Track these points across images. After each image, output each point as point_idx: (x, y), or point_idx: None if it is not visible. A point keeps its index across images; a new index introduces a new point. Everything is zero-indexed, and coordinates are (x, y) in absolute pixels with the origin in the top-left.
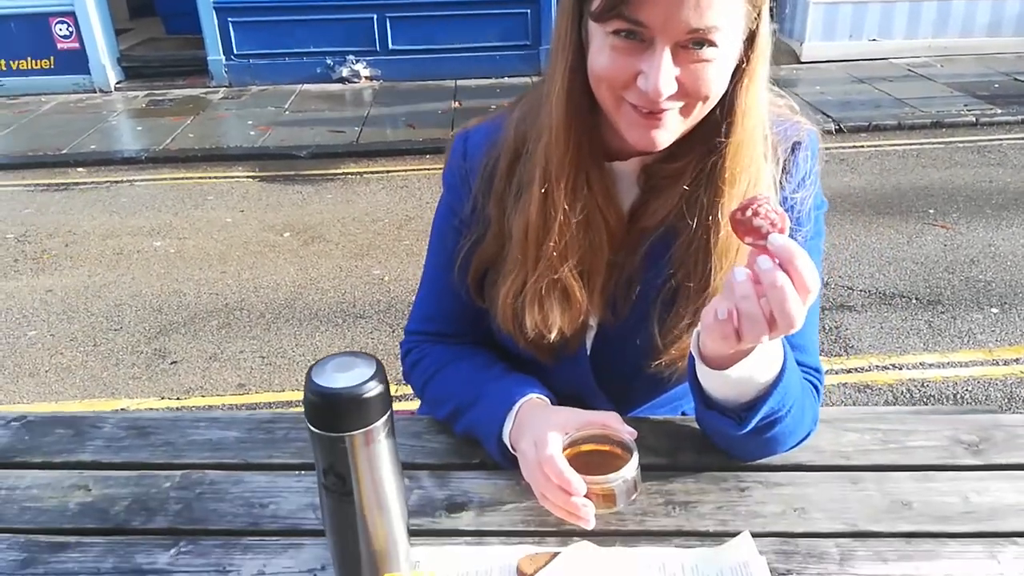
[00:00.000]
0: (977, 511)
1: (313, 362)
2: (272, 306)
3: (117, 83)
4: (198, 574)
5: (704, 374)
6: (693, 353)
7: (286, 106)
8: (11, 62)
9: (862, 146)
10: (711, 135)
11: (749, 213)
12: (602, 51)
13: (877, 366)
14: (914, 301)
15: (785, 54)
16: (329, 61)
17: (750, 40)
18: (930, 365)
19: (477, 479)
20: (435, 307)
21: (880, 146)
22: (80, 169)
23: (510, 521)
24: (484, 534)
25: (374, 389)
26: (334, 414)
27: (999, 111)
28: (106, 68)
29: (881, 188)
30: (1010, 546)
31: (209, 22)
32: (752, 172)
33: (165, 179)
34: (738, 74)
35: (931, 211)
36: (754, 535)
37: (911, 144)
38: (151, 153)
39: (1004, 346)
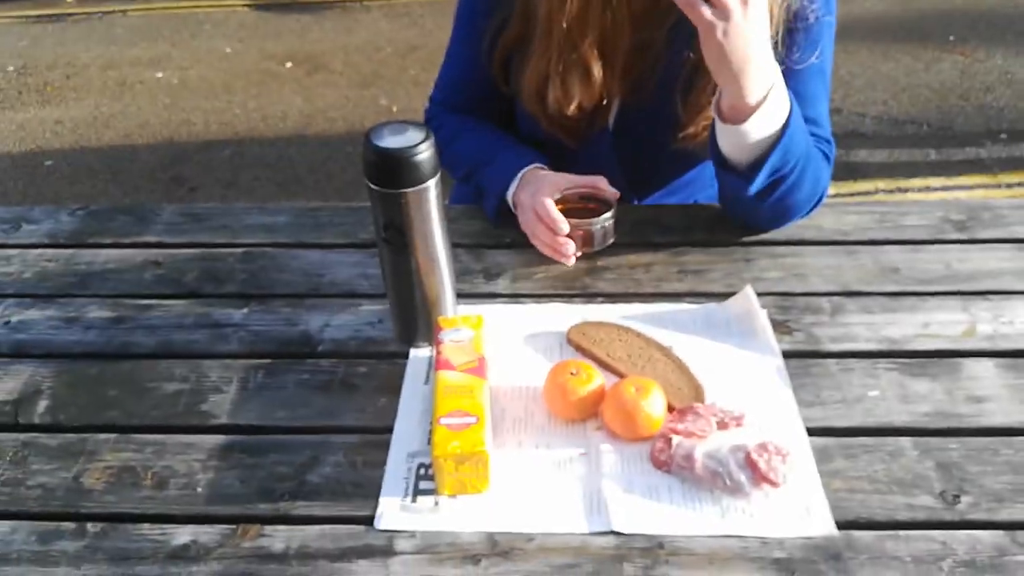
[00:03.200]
0: (956, 275)
1: (369, 128)
2: (282, 135)
3: None
4: (271, 327)
5: (720, 131)
6: (712, 112)
7: None
8: None
9: None
10: None
11: None
12: None
13: (883, 189)
14: (925, 128)
15: None
16: None
17: None
18: (935, 188)
19: (509, 254)
20: (459, 81)
21: None
22: (69, 0)
23: (540, 286)
24: (519, 295)
25: (427, 150)
26: (393, 172)
27: None
28: None
29: (902, 14)
30: (981, 301)
31: None
32: None
33: (157, 8)
34: None
35: (951, 38)
36: (757, 295)
37: None
38: None
39: (1008, 171)
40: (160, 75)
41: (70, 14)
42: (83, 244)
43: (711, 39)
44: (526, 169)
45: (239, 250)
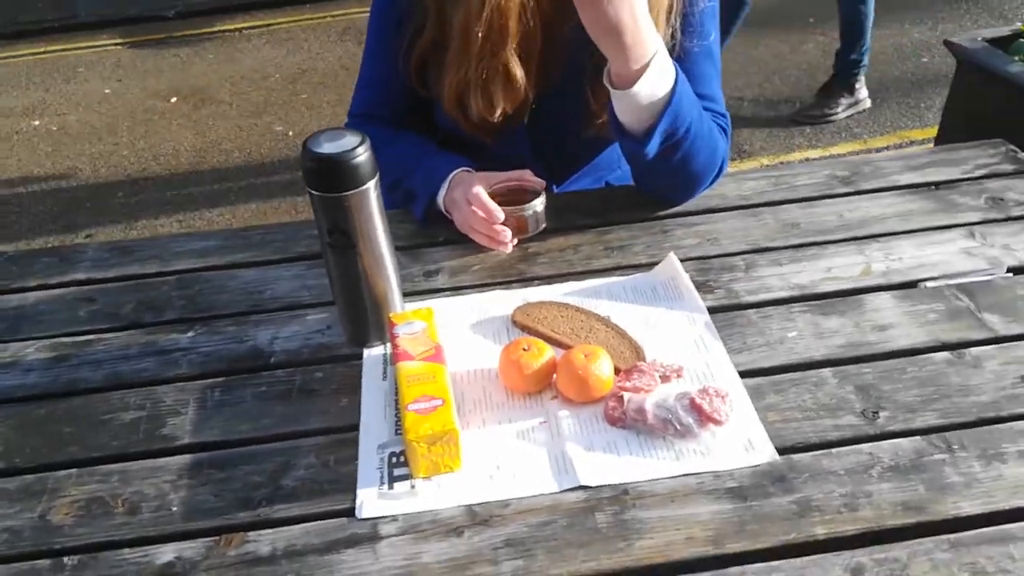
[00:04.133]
0: (849, 223)
1: (305, 137)
2: (177, 172)
3: None
4: (219, 346)
5: (614, 98)
6: (604, 82)
7: None
8: None
9: None
10: None
11: None
12: None
13: (767, 165)
14: (798, 104)
15: None
16: None
17: None
18: (814, 160)
19: (444, 250)
20: (375, 92)
21: None
22: None
23: (478, 278)
24: (460, 288)
25: (364, 153)
26: (334, 176)
27: None
28: None
29: (766, 3)
30: (874, 243)
31: None
32: None
33: (24, 55)
34: None
35: (811, 20)
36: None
37: None
38: (1, 28)
39: (876, 136)
40: (37, 123)
41: None
42: (7, 290)
43: (586, 8)
44: (454, 172)
45: (173, 277)
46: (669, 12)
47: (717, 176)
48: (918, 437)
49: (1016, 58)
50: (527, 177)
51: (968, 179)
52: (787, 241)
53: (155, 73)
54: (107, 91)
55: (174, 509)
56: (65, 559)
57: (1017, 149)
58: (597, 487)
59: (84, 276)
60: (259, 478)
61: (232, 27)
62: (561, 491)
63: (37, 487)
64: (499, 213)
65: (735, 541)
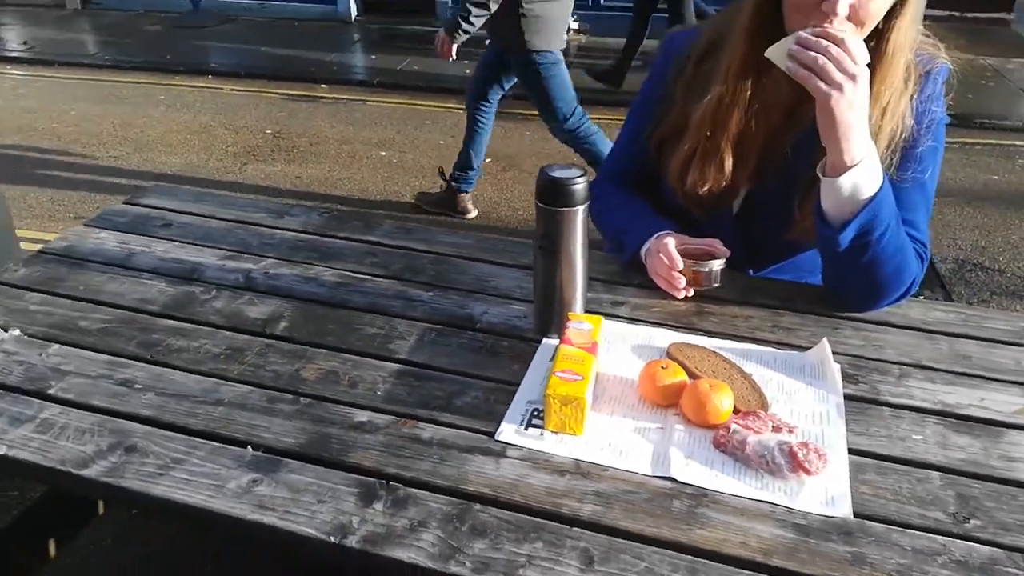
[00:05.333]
0: None
1: (543, 166)
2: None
3: (356, 16)
4: (446, 307)
5: (823, 187)
6: (818, 171)
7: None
8: None
9: None
10: None
11: None
12: None
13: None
14: None
15: (1017, 47)
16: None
17: None
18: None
19: (633, 291)
20: (622, 163)
21: None
22: (323, 86)
23: (653, 316)
24: (634, 320)
25: (581, 183)
26: (555, 194)
27: None
28: (349, 1)
29: None
30: None
31: None
32: (893, 90)
33: (391, 102)
34: (892, 13)
35: None
36: (834, 354)
37: None
38: (382, 79)
39: None
40: (383, 153)
41: (321, 97)
42: (324, 234)
43: (825, 106)
44: (659, 233)
45: (432, 255)
46: (890, 140)
47: (904, 295)
48: (999, 549)
49: None
50: (716, 245)
51: None
52: (951, 367)
53: None
54: (441, 142)
55: (379, 393)
56: (301, 399)
57: None
58: (684, 483)
59: (375, 239)
60: (440, 394)
61: None
62: (653, 475)
63: (300, 353)
64: (679, 262)
65: (783, 560)
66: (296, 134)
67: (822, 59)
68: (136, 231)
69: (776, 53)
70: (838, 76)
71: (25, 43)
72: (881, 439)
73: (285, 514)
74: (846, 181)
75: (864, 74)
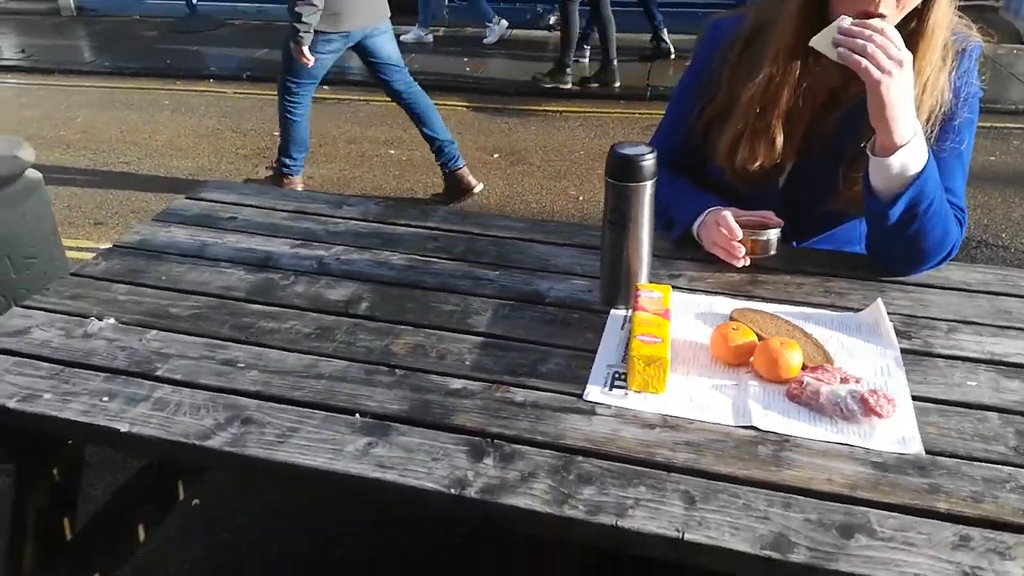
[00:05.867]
0: None
1: (614, 144)
2: (485, 210)
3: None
4: (513, 285)
5: (873, 165)
6: (868, 151)
7: (496, 48)
8: None
9: None
10: (905, 39)
11: None
12: None
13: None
14: None
15: (1007, 34)
16: (539, 8)
17: None
18: None
19: (690, 263)
20: (667, 141)
21: None
22: (325, 87)
23: (711, 286)
24: (695, 291)
25: (650, 160)
26: (626, 170)
27: None
28: None
29: None
30: None
31: None
32: (933, 66)
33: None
34: None
35: None
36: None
37: None
38: None
39: None
40: (392, 152)
41: (325, 98)
42: (385, 222)
43: (876, 91)
44: (711, 208)
45: (491, 238)
46: (930, 113)
47: (945, 258)
48: None
49: None
50: (770, 217)
51: None
52: (995, 321)
53: (486, 132)
54: None
55: (467, 362)
56: (397, 370)
57: None
58: (766, 432)
59: (434, 225)
60: (523, 361)
61: (555, 108)
62: (736, 426)
63: (386, 331)
64: (739, 231)
65: (867, 492)
66: None
67: (871, 46)
68: (204, 224)
69: (821, 42)
70: (887, 63)
71: (22, 51)
72: (939, 386)
73: (404, 471)
74: (895, 160)
75: (908, 59)
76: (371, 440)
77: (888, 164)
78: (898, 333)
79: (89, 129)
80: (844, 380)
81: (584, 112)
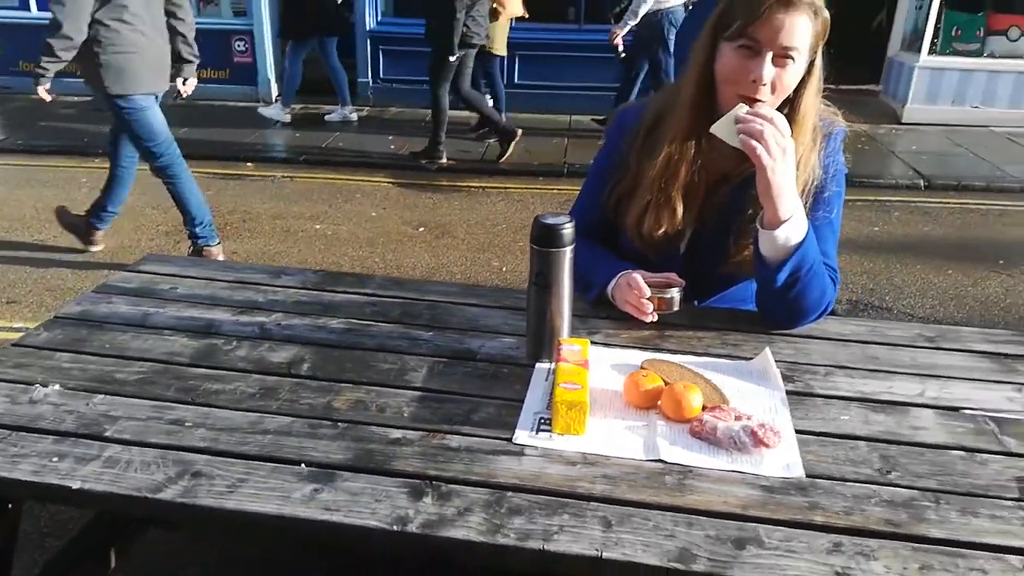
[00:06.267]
0: (920, 366)
1: (537, 216)
2: (412, 279)
3: (277, 95)
4: (447, 344)
5: (761, 237)
6: (757, 225)
7: (421, 125)
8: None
9: (948, 202)
10: None
11: None
12: (729, 59)
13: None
14: None
15: (886, 115)
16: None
17: (810, 65)
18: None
19: (605, 322)
20: (584, 217)
21: (966, 204)
22: (249, 164)
23: (624, 341)
24: (610, 345)
25: (570, 228)
26: (549, 238)
27: None
28: (270, 81)
29: (958, 240)
30: (935, 380)
31: (363, 49)
32: (806, 147)
33: (319, 178)
34: (801, 86)
35: (1000, 262)
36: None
37: (996, 205)
38: (308, 155)
39: None
40: (318, 227)
41: (249, 175)
42: (323, 289)
43: (764, 174)
44: (623, 271)
45: (426, 302)
46: (804, 187)
47: (823, 313)
48: (915, 491)
49: None
50: (673, 278)
51: None
52: (864, 365)
53: (412, 207)
54: (373, 214)
55: (405, 414)
56: (339, 424)
57: None
58: (672, 463)
59: (370, 292)
60: (458, 412)
61: (478, 184)
62: (647, 459)
63: (328, 388)
64: (647, 291)
65: (756, 510)
66: (227, 211)
67: (767, 132)
68: (145, 295)
69: (720, 129)
70: (775, 149)
71: None
72: (818, 420)
73: (350, 512)
74: (780, 232)
75: (791, 146)
76: (317, 487)
77: (775, 236)
78: (784, 377)
79: (2, 207)
80: (738, 418)
81: (506, 188)
